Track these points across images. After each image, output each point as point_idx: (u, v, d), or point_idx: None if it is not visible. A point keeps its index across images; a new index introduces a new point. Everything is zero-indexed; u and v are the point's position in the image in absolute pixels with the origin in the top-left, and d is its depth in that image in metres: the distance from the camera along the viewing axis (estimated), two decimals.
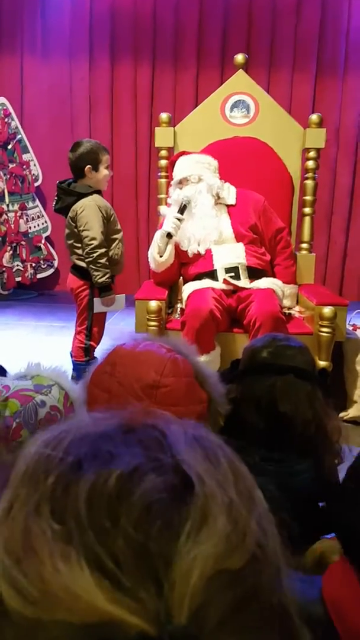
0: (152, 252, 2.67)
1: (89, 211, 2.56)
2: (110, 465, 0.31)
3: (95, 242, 2.55)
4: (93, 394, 1.01)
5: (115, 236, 2.68)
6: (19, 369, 1.25)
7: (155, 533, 0.28)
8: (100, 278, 2.58)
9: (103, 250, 2.57)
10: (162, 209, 2.81)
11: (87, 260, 2.60)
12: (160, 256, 2.63)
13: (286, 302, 2.66)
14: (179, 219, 2.53)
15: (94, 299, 2.66)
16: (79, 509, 0.29)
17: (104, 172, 2.66)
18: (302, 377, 1.12)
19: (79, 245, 2.65)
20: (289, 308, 2.71)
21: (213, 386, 1.11)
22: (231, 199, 2.68)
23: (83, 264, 2.67)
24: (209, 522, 0.29)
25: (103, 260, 2.57)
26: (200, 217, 2.58)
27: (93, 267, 2.58)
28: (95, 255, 2.56)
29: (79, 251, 2.67)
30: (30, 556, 0.28)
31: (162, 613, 0.26)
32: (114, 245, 2.67)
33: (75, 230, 2.63)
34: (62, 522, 0.29)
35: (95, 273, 2.58)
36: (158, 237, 2.62)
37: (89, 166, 2.63)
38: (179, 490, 0.30)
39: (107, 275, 2.59)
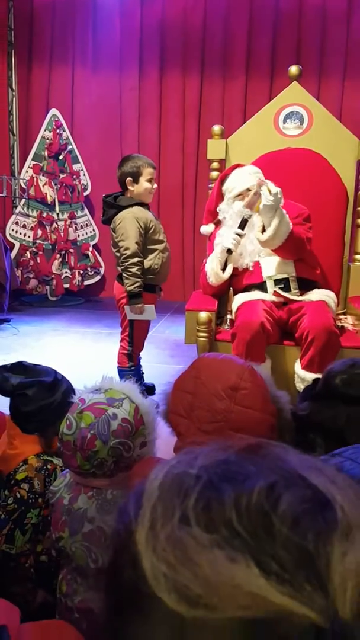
0: (214, 267, 2.63)
1: (126, 222, 2.65)
2: (247, 484, 0.32)
3: (128, 252, 2.64)
4: (177, 397, 1.09)
5: (154, 246, 2.74)
6: (94, 382, 1.30)
7: (311, 537, 0.30)
8: (129, 286, 2.66)
9: (135, 259, 2.64)
10: (203, 228, 2.79)
11: (120, 268, 2.70)
12: (223, 271, 2.61)
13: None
14: (239, 235, 2.49)
15: (125, 306, 2.74)
16: (230, 518, 0.30)
17: (144, 184, 2.72)
18: None
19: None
20: (340, 320, 2.66)
21: (283, 405, 1.13)
22: None
23: None
24: (354, 530, 0.31)
25: (134, 270, 2.65)
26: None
27: (124, 275, 2.67)
28: (127, 264, 2.65)
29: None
30: (187, 562, 0.29)
31: (329, 607, 0.28)
32: (152, 255, 2.73)
33: (115, 240, 2.73)
34: (213, 532, 0.30)
35: (126, 281, 2.67)
36: (218, 252, 2.60)
37: (129, 178, 2.72)
38: (320, 503, 0.32)
39: (137, 284, 2.66)
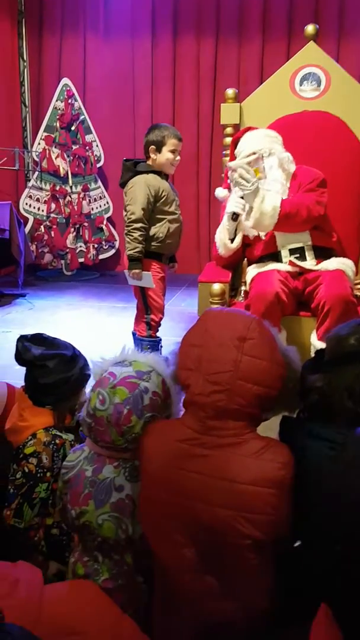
0: (222, 238, 2.56)
1: (136, 187, 2.67)
2: None
3: (133, 217, 2.65)
4: (185, 352, 1.11)
5: (162, 216, 2.73)
6: (114, 354, 1.27)
7: None
8: (129, 250, 2.69)
9: (139, 225, 2.65)
10: (219, 191, 2.71)
11: (124, 231, 2.72)
12: (231, 241, 2.54)
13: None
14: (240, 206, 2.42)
15: (124, 271, 2.76)
16: None
17: (166, 154, 2.71)
18: None
19: None
20: (358, 289, 2.58)
21: (292, 357, 1.16)
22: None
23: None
24: None
25: (136, 234, 2.66)
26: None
27: (126, 238, 2.70)
28: (130, 228, 2.67)
29: None
30: None
31: None
32: (159, 224, 2.73)
33: (125, 204, 2.75)
34: None
35: (127, 245, 2.70)
36: (225, 220, 2.53)
37: (152, 147, 2.72)
38: None
39: (137, 250, 2.67)
